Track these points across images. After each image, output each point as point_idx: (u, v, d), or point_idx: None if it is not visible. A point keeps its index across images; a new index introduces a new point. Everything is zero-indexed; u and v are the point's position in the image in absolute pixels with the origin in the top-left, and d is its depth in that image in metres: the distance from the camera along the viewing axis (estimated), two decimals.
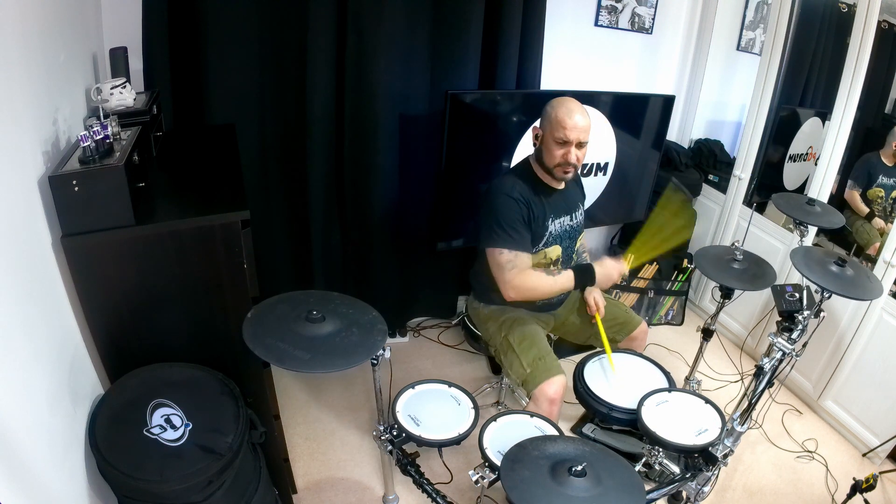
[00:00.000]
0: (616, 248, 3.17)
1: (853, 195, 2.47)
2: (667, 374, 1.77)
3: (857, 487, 1.81)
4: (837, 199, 2.44)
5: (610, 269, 1.78)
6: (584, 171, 2.56)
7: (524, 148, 2.31)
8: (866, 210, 2.45)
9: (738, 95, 3.09)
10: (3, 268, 0.93)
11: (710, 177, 3.04)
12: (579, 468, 1.12)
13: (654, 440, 1.49)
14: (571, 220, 1.85)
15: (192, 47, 1.90)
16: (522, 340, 1.78)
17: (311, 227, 2.33)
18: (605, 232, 3.30)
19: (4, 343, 0.91)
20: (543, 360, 1.71)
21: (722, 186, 2.95)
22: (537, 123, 1.72)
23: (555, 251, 1.82)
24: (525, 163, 1.80)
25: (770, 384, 1.57)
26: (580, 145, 1.66)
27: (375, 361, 1.44)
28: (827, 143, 2.34)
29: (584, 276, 1.75)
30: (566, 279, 1.74)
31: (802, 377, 2.50)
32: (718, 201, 2.97)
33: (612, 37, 2.70)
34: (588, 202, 2.50)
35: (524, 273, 1.68)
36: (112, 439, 1.13)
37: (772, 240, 2.67)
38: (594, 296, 1.91)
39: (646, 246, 1.92)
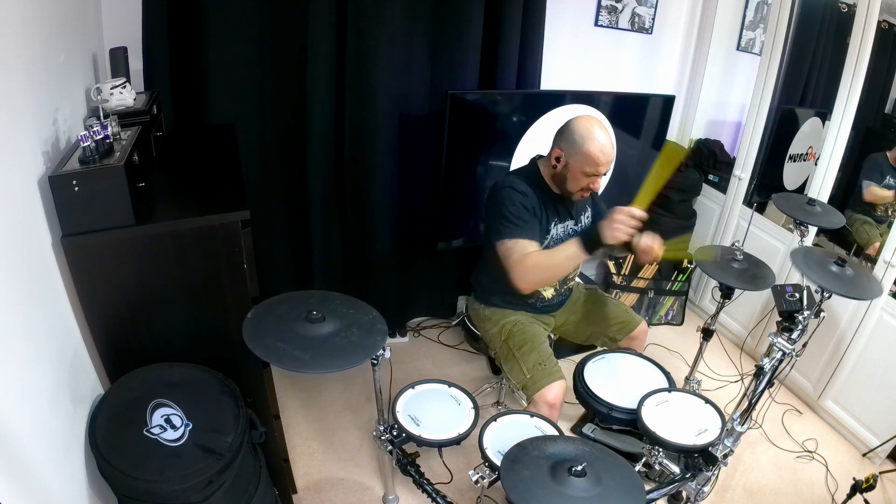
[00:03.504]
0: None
1: (872, 190, 2.44)
2: (667, 374, 1.77)
3: (857, 487, 1.81)
4: (838, 199, 2.44)
5: (617, 216, 1.52)
6: None
7: (524, 148, 2.31)
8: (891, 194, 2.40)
9: (738, 95, 3.09)
10: (3, 268, 0.93)
11: (710, 177, 3.04)
12: (579, 468, 1.12)
13: (654, 440, 1.50)
14: (576, 224, 1.84)
15: (192, 47, 1.90)
16: (523, 345, 1.78)
17: (311, 227, 2.32)
18: None
19: (4, 343, 0.91)
20: (544, 365, 1.71)
21: (722, 186, 2.95)
22: (558, 146, 1.67)
23: None
24: (533, 166, 1.78)
25: (770, 384, 1.57)
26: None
27: (375, 361, 1.44)
28: (827, 143, 2.34)
29: (588, 235, 1.58)
30: (568, 245, 1.60)
31: (802, 377, 2.50)
32: (718, 201, 2.97)
33: (612, 37, 2.69)
34: None
35: (524, 257, 1.61)
36: (112, 439, 1.13)
37: (772, 240, 2.67)
38: (643, 241, 1.67)
39: (647, 195, 1.69)
